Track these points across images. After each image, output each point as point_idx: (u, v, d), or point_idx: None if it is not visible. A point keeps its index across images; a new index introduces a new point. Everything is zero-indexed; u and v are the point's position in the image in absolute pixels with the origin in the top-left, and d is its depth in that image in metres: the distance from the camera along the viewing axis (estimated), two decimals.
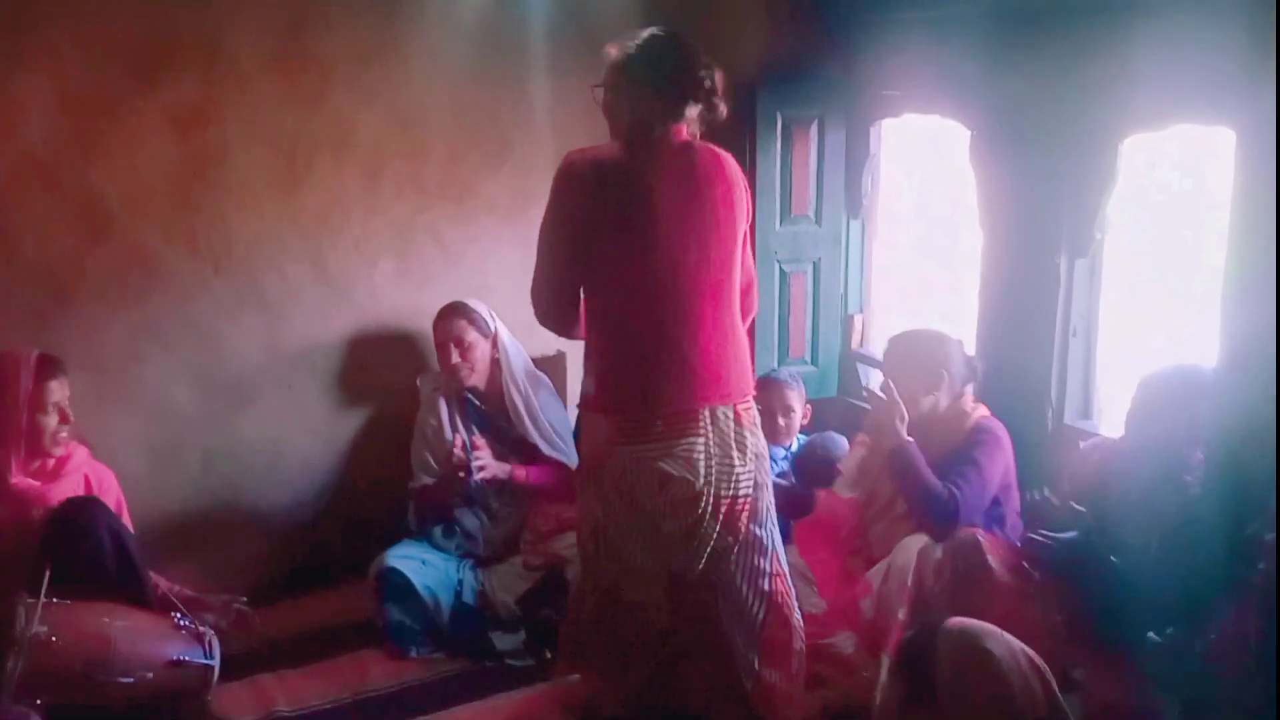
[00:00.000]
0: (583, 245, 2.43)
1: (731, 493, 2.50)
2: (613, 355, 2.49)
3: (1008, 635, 2.29)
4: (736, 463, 2.50)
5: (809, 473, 3.42)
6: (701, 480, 2.45)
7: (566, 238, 2.44)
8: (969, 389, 3.03)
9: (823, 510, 3.18)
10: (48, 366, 2.85)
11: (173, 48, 3.14)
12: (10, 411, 2.79)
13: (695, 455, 2.45)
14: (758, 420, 2.59)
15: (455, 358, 3.32)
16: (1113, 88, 2.89)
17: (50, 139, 3.05)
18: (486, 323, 3.36)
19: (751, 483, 2.54)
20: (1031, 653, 2.30)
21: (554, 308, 2.53)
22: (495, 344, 3.37)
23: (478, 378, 3.36)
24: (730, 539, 2.52)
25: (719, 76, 2.48)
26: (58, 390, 2.84)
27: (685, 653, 2.63)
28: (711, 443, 2.47)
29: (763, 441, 2.60)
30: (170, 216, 3.23)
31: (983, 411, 3.00)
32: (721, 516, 2.49)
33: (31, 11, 2.96)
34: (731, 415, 2.51)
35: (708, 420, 2.47)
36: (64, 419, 2.85)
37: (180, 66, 3.16)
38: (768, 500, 2.61)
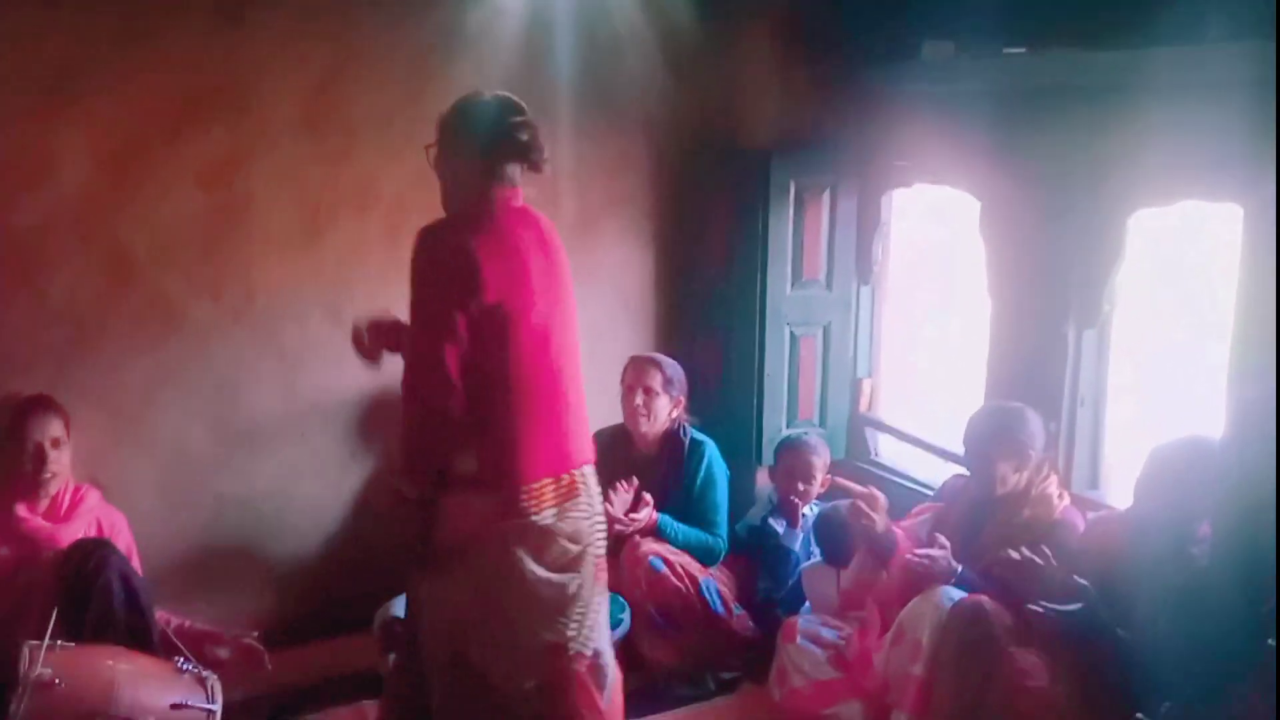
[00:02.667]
0: (475, 321, 2.31)
1: (598, 552, 2.51)
2: (512, 424, 2.38)
3: None
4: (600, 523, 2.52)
5: (832, 542, 3.39)
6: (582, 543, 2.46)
7: (459, 316, 2.29)
8: (1050, 468, 2.95)
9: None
10: (34, 405, 2.93)
11: (202, 105, 3.23)
12: (13, 454, 2.86)
13: (578, 516, 2.45)
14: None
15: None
16: (1122, 163, 2.93)
17: (82, 190, 3.13)
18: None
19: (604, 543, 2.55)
20: None
21: (454, 391, 2.30)
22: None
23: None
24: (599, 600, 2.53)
25: (536, 132, 2.41)
26: (42, 427, 2.90)
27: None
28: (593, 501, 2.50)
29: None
30: (194, 266, 3.31)
31: (1067, 500, 2.93)
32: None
33: (68, 70, 3.06)
34: (593, 474, 2.52)
35: (586, 480, 2.49)
36: (53, 448, 2.90)
37: (209, 123, 3.25)
38: None
